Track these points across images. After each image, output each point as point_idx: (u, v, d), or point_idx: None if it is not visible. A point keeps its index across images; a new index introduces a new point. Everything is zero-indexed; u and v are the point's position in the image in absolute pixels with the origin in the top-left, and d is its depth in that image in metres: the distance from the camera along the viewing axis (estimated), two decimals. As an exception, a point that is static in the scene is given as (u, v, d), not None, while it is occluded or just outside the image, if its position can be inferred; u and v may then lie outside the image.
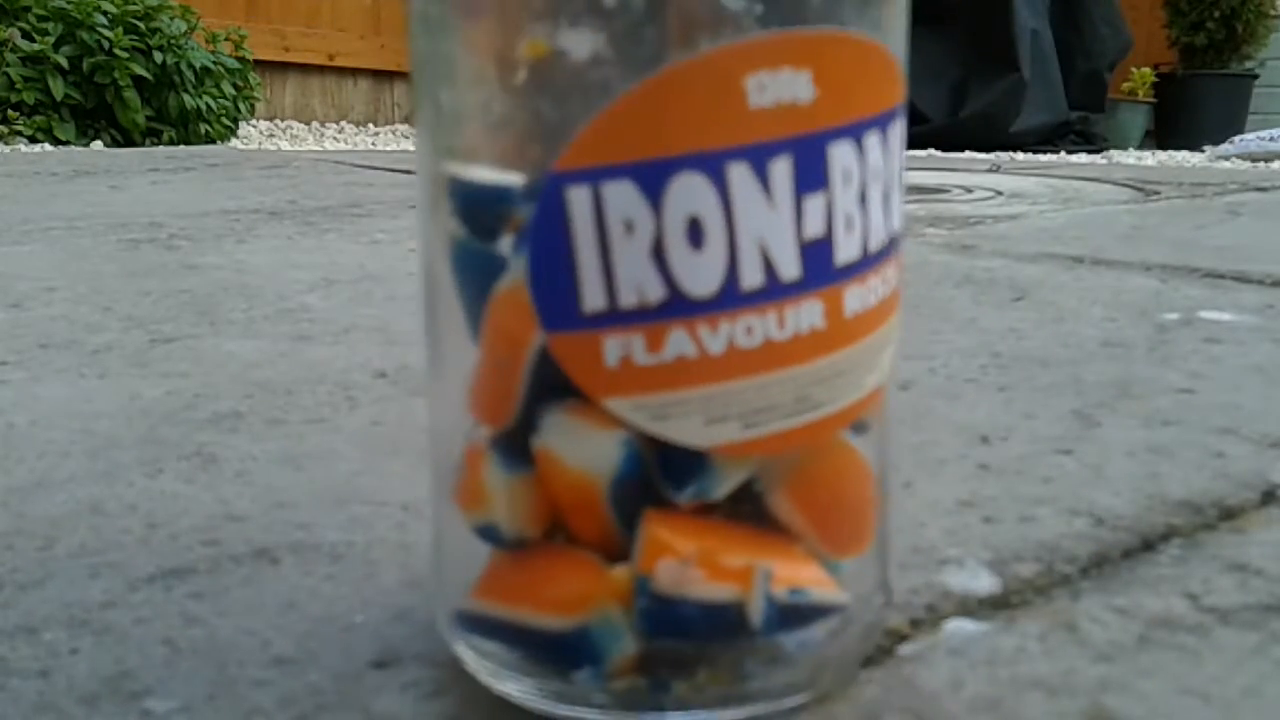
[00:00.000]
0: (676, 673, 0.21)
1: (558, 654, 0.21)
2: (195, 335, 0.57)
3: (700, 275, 0.19)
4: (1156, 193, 1.41)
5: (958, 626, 0.26)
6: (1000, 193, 1.40)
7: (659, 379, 0.20)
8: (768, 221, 0.19)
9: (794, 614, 0.21)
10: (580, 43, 0.19)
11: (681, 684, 0.21)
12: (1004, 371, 0.50)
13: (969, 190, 1.43)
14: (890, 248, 0.21)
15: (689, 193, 0.19)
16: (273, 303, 0.66)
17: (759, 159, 0.19)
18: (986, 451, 0.38)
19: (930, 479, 0.36)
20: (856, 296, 0.20)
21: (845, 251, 0.20)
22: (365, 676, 0.24)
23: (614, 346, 0.19)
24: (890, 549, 0.25)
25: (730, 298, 0.19)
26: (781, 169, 0.19)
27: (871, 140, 0.20)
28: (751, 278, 0.19)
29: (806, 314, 0.20)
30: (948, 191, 1.41)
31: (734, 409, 0.20)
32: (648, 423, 0.20)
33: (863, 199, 0.20)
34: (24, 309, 0.64)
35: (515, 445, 0.21)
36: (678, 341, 0.19)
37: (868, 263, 0.21)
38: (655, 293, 0.19)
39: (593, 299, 0.19)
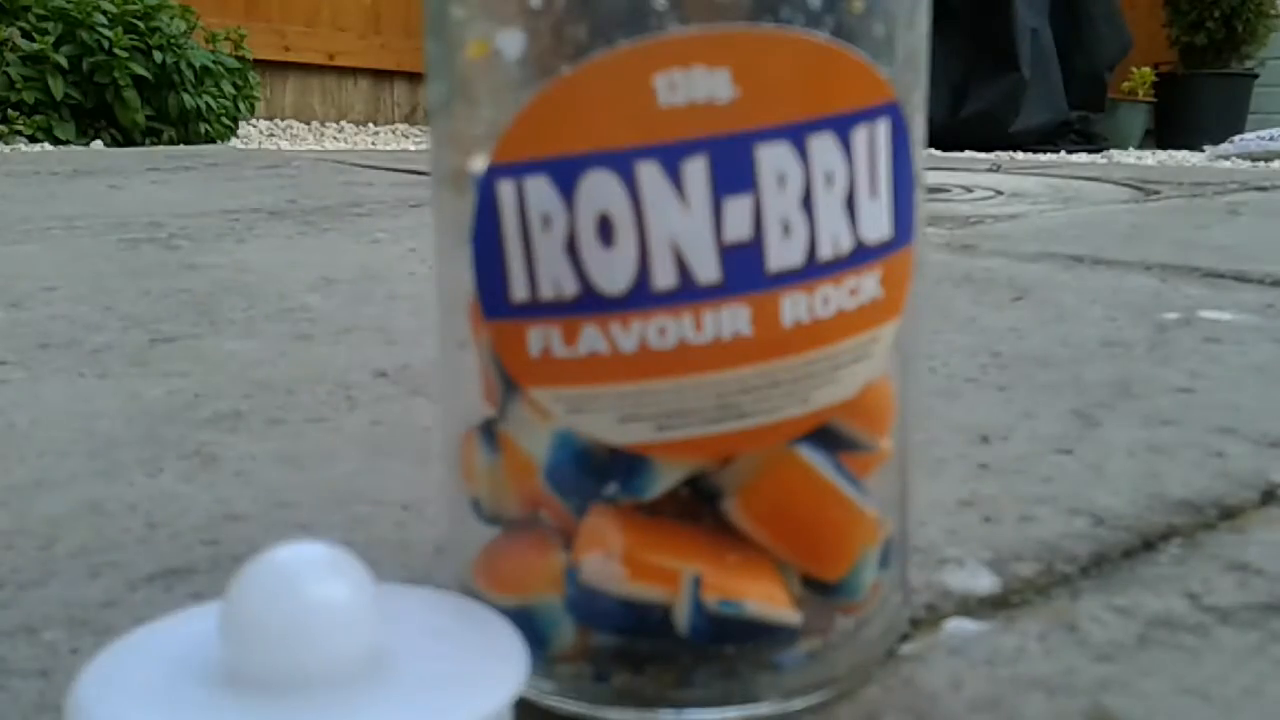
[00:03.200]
0: (616, 666, 0.21)
1: None
2: (195, 335, 0.57)
3: (611, 273, 0.19)
4: (1156, 192, 1.41)
5: (958, 626, 0.26)
6: (1000, 192, 1.40)
7: (574, 373, 0.20)
8: (681, 222, 0.19)
9: (729, 625, 0.20)
10: (511, 42, 0.19)
11: (621, 677, 0.21)
12: (1004, 371, 0.50)
13: (969, 190, 1.43)
14: (862, 256, 0.20)
15: (599, 190, 0.19)
16: (273, 302, 0.66)
17: (670, 158, 0.19)
18: (986, 451, 0.38)
19: (930, 479, 0.36)
20: (800, 305, 0.20)
21: (781, 257, 0.19)
22: (365, 676, 0.24)
23: (536, 337, 0.20)
24: (909, 551, 0.25)
25: (642, 297, 0.19)
26: (696, 169, 0.19)
27: (821, 142, 0.19)
28: (664, 278, 0.19)
29: (729, 319, 0.19)
30: (948, 191, 1.41)
31: (646, 409, 0.20)
32: (565, 415, 0.20)
33: (807, 203, 0.19)
34: (24, 309, 0.64)
35: (495, 430, 0.22)
36: (590, 337, 0.19)
37: (817, 271, 0.20)
38: (570, 287, 0.19)
39: (518, 290, 0.20)
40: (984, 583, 0.28)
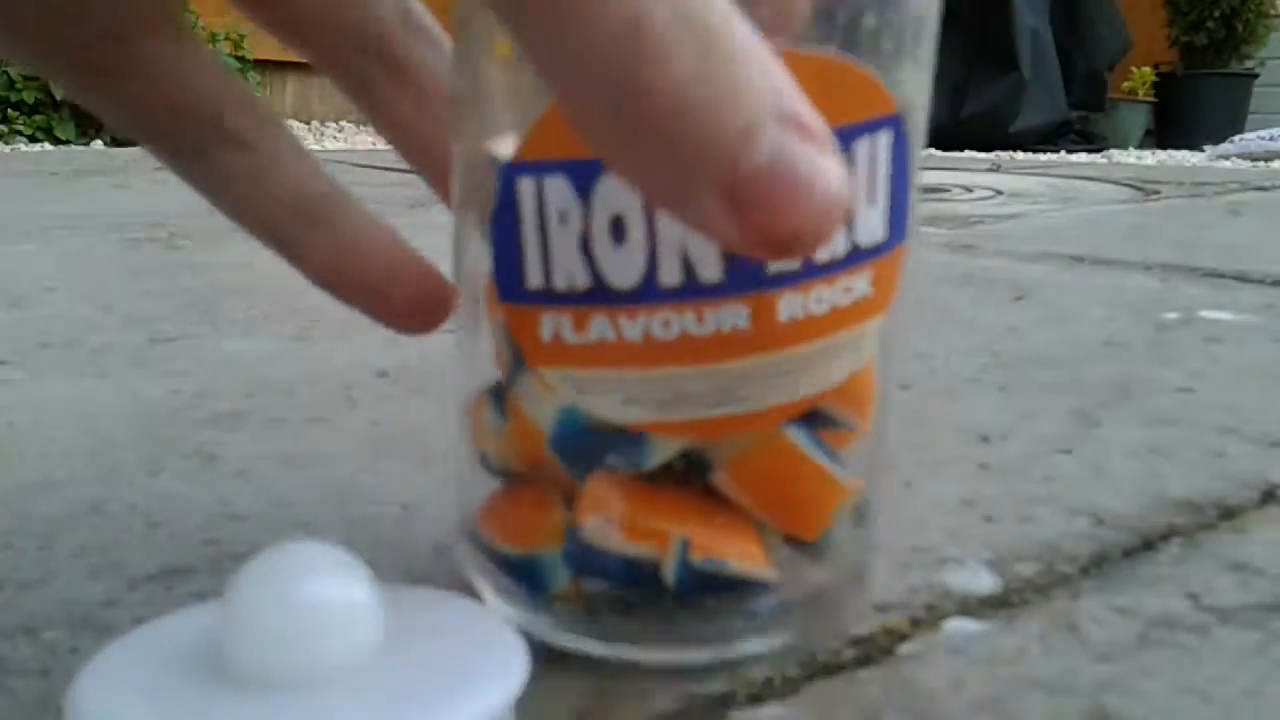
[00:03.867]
0: (608, 608, 0.23)
1: (514, 576, 0.24)
2: (196, 335, 0.57)
3: (621, 269, 0.20)
4: (1156, 192, 1.41)
5: (958, 626, 0.26)
6: (1000, 192, 1.40)
7: (582, 357, 0.21)
8: None
9: (711, 579, 0.22)
10: None
11: (612, 619, 0.23)
12: (1004, 371, 0.50)
13: (969, 189, 1.43)
14: (856, 258, 0.21)
15: (614, 193, 0.20)
16: (273, 302, 0.66)
17: None
18: (986, 451, 0.38)
19: (930, 479, 0.36)
20: (795, 304, 0.21)
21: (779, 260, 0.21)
22: (365, 676, 0.24)
23: (548, 322, 0.21)
24: (879, 515, 0.26)
25: (649, 292, 0.20)
26: None
27: None
28: (670, 276, 0.20)
29: (729, 315, 0.21)
30: (948, 191, 1.41)
31: (648, 393, 0.21)
32: (572, 394, 0.21)
33: None
34: (24, 309, 0.64)
35: (505, 395, 0.24)
36: (599, 326, 0.21)
37: (813, 272, 0.21)
38: (582, 279, 0.21)
39: (534, 278, 0.21)
40: (984, 583, 0.28)
